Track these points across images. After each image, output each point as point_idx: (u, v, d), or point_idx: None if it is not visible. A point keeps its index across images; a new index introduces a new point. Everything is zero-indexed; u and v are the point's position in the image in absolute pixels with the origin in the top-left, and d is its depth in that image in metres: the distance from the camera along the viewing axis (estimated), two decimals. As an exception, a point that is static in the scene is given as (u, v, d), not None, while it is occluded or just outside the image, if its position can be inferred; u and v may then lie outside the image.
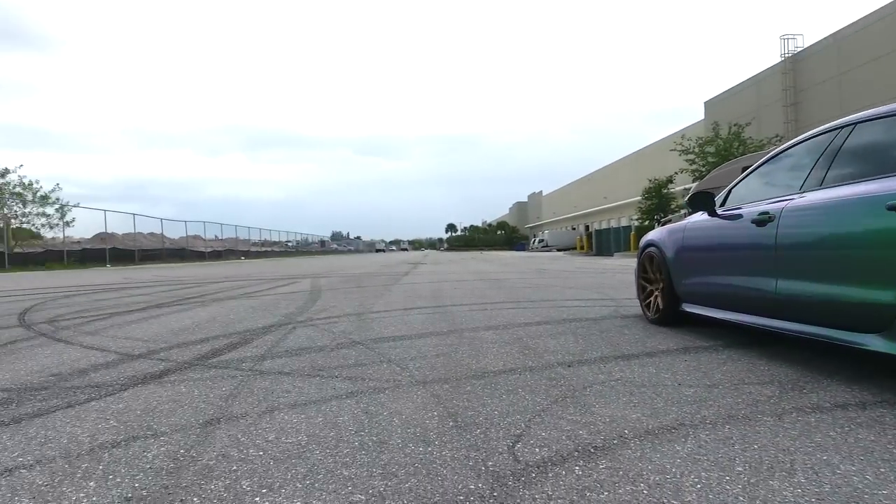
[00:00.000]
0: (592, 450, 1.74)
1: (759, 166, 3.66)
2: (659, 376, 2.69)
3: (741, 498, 1.40)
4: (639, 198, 32.38)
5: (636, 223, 33.18)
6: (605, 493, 1.44)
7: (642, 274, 4.75)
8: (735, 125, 25.48)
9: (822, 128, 3.11)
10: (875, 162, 2.59)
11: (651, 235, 4.75)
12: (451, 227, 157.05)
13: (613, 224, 48.18)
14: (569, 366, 2.94)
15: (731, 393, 2.37)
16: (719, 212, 3.72)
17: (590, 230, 47.28)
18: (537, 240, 67.56)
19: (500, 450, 1.76)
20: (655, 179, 30.67)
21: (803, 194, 2.91)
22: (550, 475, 1.56)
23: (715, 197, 3.87)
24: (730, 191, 3.81)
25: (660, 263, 4.37)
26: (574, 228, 65.82)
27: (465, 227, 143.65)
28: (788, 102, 29.20)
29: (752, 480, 1.50)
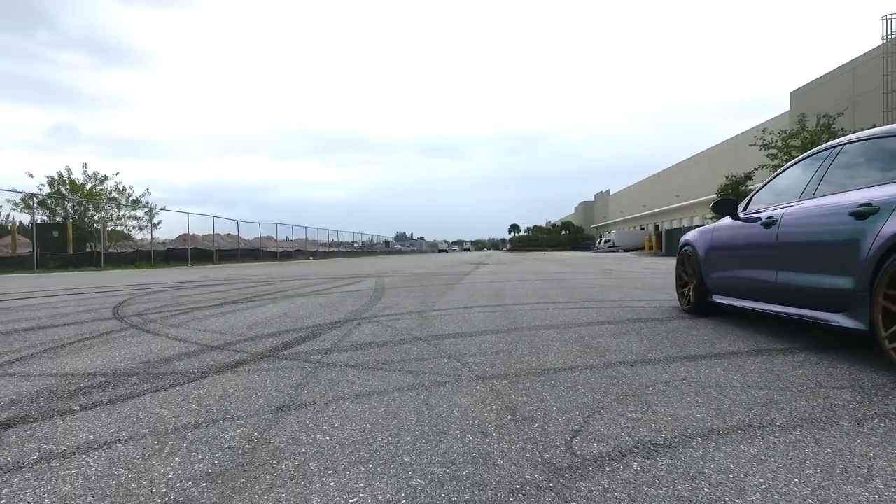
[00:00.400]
0: (652, 447, 1.72)
1: (777, 175, 4.16)
2: (727, 377, 2.59)
3: (809, 500, 1.35)
4: (714, 196, 30.89)
5: (710, 222, 31.68)
6: (664, 489, 1.42)
7: (680, 269, 5.29)
8: (824, 116, 23.70)
9: (824, 145, 3.66)
10: (855, 176, 3.17)
11: (687, 236, 5.31)
12: (514, 228, 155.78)
13: (685, 223, 46.17)
14: (631, 365, 2.89)
15: (806, 396, 2.26)
16: (741, 215, 4.23)
17: (660, 230, 45.60)
18: (603, 240, 65.84)
19: (558, 443, 1.77)
20: (732, 176, 29.15)
21: (801, 202, 3.44)
22: (608, 469, 1.56)
23: (738, 202, 4.44)
24: (751, 197, 4.31)
25: (694, 260, 4.93)
26: (643, 228, 63.67)
27: (528, 228, 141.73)
28: (889, 89, 26.72)
29: (822, 484, 1.44)
